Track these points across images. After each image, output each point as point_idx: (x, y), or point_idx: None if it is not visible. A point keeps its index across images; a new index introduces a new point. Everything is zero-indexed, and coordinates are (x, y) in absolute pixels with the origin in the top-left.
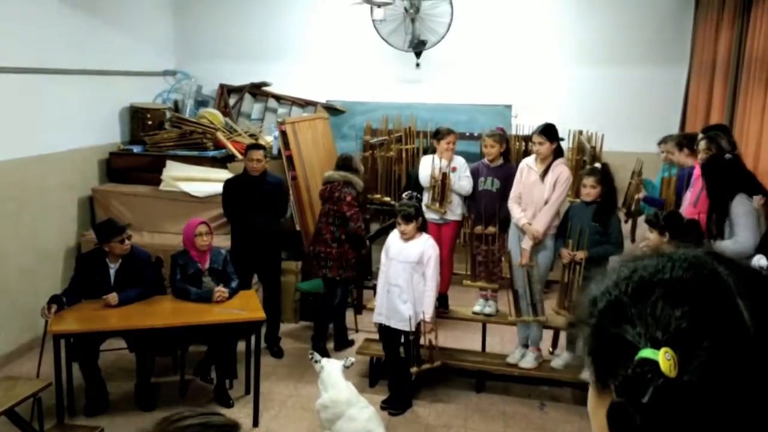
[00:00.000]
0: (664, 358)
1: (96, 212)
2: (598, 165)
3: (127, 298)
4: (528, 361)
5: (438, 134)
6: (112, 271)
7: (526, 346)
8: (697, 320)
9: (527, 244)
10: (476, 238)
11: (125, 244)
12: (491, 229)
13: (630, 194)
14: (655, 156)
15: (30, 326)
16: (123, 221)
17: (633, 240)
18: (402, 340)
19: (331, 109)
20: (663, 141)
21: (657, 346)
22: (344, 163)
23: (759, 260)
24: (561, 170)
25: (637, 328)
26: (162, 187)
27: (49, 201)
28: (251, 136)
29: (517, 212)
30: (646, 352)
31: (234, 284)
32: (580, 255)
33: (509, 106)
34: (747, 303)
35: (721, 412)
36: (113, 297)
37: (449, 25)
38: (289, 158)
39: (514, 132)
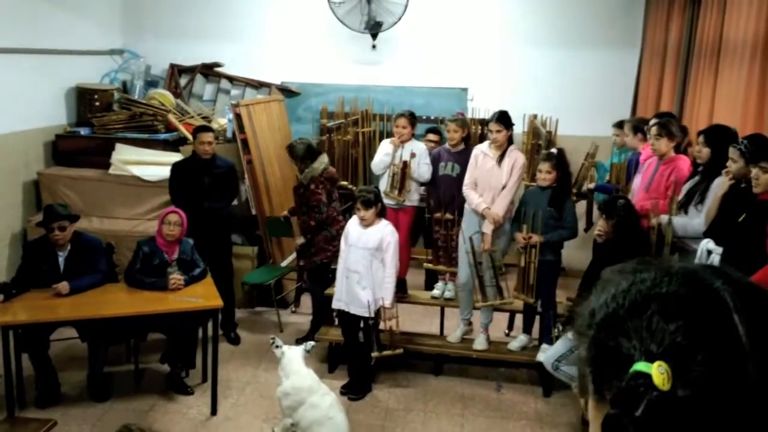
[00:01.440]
0: (657, 371)
1: (42, 197)
2: (554, 150)
3: (79, 286)
4: (481, 343)
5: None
6: (61, 259)
7: (469, 324)
8: (691, 334)
9: (488, 228)
10: (435, 222)
11: (56, 233)
12: (449, 216)
13: (581, 176)
14: (608, 140)
15: None
16: (71, 207)
17: (588, 224)
18: (361, 325)
19: (286, 91)
20: (618, 124)
21: (651, 360)
22: (305, 155)
23: (707, 244)
24: (516, 156)
25: (633, 341)
26: (111, 170)
27: None
28: (204, 118)
29: (475, 198)
30: (640, 365)
31: (197, 272)
32: (536, 239)
33: (465, 89)
34: (743, 317)
35: (715, 426)
36: (64, 286)
37: (405, 7)
38: (244, 141)
39: (470, 115)
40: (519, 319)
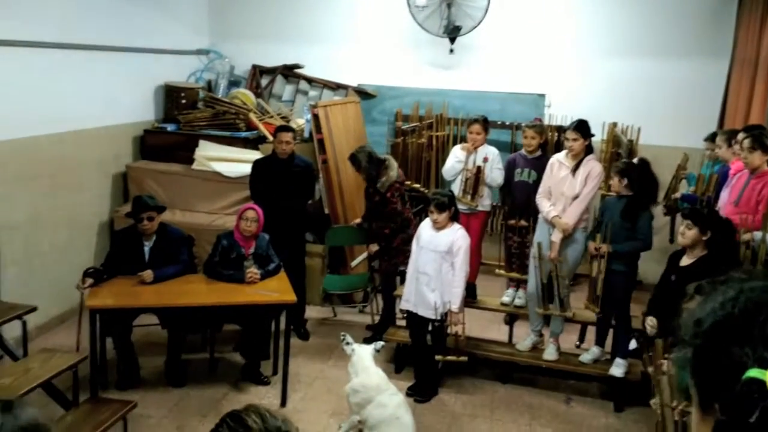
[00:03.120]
0: None
1: (129, 189)
2: (634, 160)
3: (162, 275)
4: (551, 354)
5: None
6: (146, 249)
7: (539, 335)
8: None
9: (557, 237)
10: (509, 229)
11: (145, 223)
12: (524, 222)
13: (672, 188)
14: (693, 150)
15: (63, 299)
16: (158, 199)
17: (671, 236)
18: (429, 328)
19: (362, 93)
20: (710, 137)
21: (765, 366)
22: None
23: None
24: (593, 165)
25: (745, 348)
26: (194, 166)
27: (84, 177)
28: (283, 118)
29: (546, 206)
30: (754, 372)
31: (272, 266)
32: (604, 248)
33: (543, 96)
34: None
35: None
36: (149, 274)
37: (486, 11)
38: (321, 141)
39: (547, 122)
40: (591, 331)
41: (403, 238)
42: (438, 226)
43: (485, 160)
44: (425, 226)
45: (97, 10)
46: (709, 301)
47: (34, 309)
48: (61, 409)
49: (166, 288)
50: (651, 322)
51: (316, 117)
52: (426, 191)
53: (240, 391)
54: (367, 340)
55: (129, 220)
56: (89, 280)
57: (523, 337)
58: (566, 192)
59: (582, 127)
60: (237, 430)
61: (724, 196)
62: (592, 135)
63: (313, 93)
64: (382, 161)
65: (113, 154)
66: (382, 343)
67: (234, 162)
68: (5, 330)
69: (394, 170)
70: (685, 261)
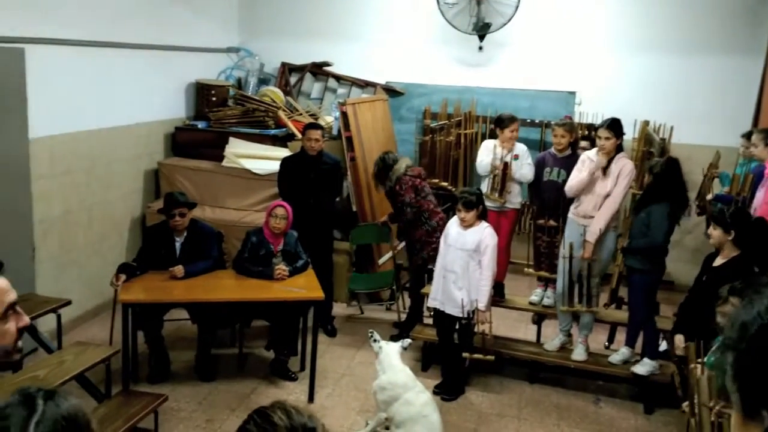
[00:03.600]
0: None
1: (161, 185)
2: (657, 159)
3: (192, 270)
4: (580, 354)
5: (501, 122)
6: (177, 244)
7: (568, 335)
8: None
9: (592, 237)
10: (538, 228)
11: (177, 219)
12: (552, 223)
13: (705, 187)
14: (727, 149)
15: (96, 293)
16: (188, 196)
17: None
18: (456, 326)
19: (391, 91)
20: (747, 135)
21: None
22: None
23: None
24: (624, 163)
25: None
26: (224, 163)
27: (117, 173)
28: (311, 115)
29: (579, 174)
30: None
31: (300, 263)
32: (622, 243)
33: (573, 93)
34: None
35: None
36: (179, 269)
37: (516, 8)
38: (349, 139)
39: (577, 120)
40: (622, 332)
41: (427, 230)
42: (465, 225)
43: (515, 157)
44: (453, 224)
45: (131, 9)
46: (755, 304)
47: (68, 303)
48: (94, 401)
49: (197, 283)
50: (679, 341)
51: (344, 114)
52: (453, 189)
53: (268, 387)
54: (395, 338)
55: (160, 216)
56: (122, 277)
57: (552, 336)
58: (597, 190)
59: (615, 126)
60: (264, 427)
61: (760, 195)
62: (623, 134)
63: (341, 90)
64: (393, 162)
65: (146, 151)
66: (409, 340)
67: (263, 159)
68: (40, 323)
69: (403, 164)
70: (718, 261)
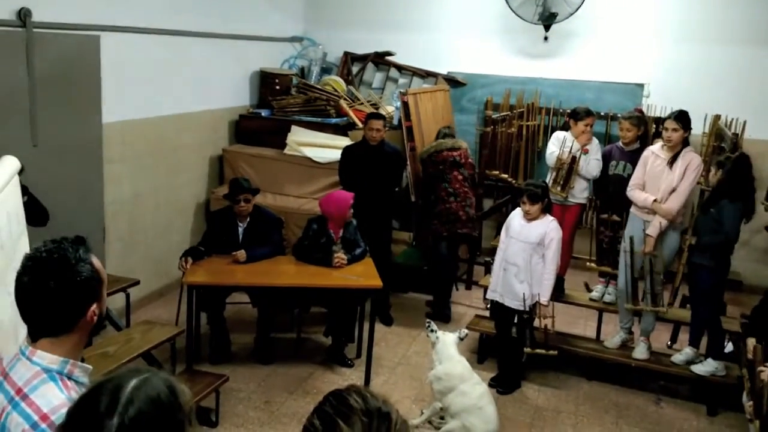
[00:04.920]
0: None
1: (225, 171)
2: (728, 155)
3: (254, 255)
4: (641, 352)
5: (575, 114)
6: (240, 230)
7: (629, 332)
8: None
9: (653, 231)
10: (601, 223)
11: (242, 205)
12: (616, 218)
13: None
14: None
15: (162, 274)
16: (252, 182)
17: None
18: (515, 319)
19: (452, 81)
20: None
21: None
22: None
23: None
24: (691, 157)
25: None
26: (286, 150)
27: (183, 158)
28: (373, 105)
29: (641, 195)
30: None
31: (358, 251)
32: (689, 240)
33: (641, 85)
34: None
35: None
36: (242, 254)
37: None
38: (409, 129)
39: (645, 113)
40: (685, 332)
41: (434, 211)
42: (529, 217)
43: (585, 151)
44: (515, 216)
45: None
46: None
47: (137, 282)
48: None
49: (258, 268)
50: (751, 345)
51: (405, 104)
52: (514, 182)
53: (325, 372)
54: (430, 316)
55: (225, 202)
56: (190, 260)
57: (612, 333)
58: (662, 186)
59: (683, 118)
60: (340, 409)
61: None
62: (691, 127)
63: (402, 80)
64: (444, 136)
65: (211, 137)
66: (466, 331)
67: (324, 148)
68: (110, 301)
69: (444, 144)
70: None
